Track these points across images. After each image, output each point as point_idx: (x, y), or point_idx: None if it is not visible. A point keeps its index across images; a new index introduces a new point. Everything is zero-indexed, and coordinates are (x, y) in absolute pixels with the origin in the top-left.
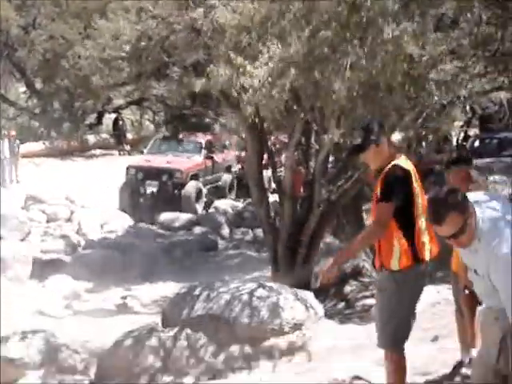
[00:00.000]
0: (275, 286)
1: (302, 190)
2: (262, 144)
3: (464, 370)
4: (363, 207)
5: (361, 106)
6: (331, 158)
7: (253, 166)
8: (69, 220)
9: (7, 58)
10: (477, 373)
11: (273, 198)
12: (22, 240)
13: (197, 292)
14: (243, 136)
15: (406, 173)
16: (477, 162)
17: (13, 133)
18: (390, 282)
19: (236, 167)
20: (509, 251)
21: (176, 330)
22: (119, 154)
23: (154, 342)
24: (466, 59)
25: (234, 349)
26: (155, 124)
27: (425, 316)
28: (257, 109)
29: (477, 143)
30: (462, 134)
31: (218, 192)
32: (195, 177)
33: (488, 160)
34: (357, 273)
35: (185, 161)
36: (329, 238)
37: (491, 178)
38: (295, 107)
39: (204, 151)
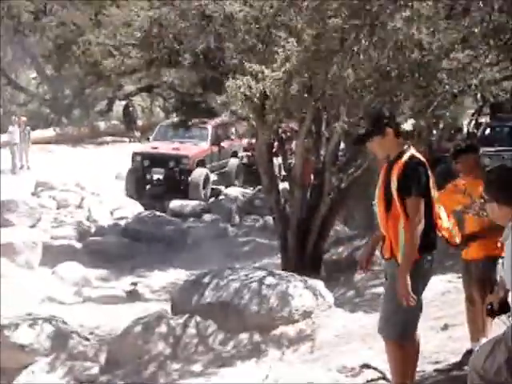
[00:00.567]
0: (285, 273)
1: (312, 177)
2: (274, 132)
3: None
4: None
5: (371, 94)
6: (341, 146)
7: (263, 153)
8: (79, 206)
9: (18, 44)
10: (469, 365)
11: (283, 185)
12: (33, 226)
13: (206, 279)
14: (253, 124)
15: (424, 164)
16: (488, 149)
17: (23, 119)
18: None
19: (243, 153)
20: None
21: (185, 317)
22: (130, 141)
23: (163, 328)
24: (477, 48)
25: (244, 337)
26: (165, 110)
27: (435, 304)
28: (266, 96)
29: (488, 131)
30: (473, 122)
31: (225, 178)
32: (202, 163)
33: (499, 148)
34: None
35: (191, 147)
36: (339, 226)
37: None
38: (306, 95)
39: (210, 137)
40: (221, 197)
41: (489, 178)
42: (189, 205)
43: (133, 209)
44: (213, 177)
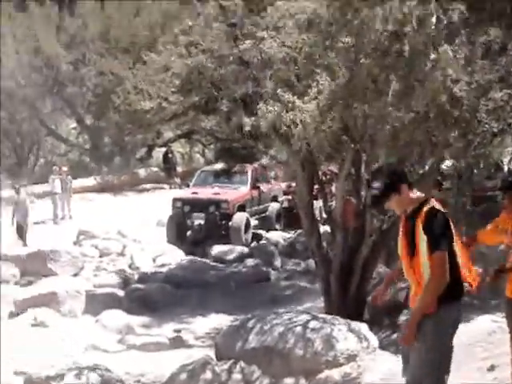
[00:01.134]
0: (328, 317)
1: (353, 219)
2: (313, 174)
3: None
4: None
5: (410, 135)
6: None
7: (303, 196)
8: (121, 254)
9: (57, 94)
10: None
11: (324, 228)
12: (75, 275)
13: (250, 324)
14: (294, 167)
15: (446, 215)
16: None
17: (64, 168)
18: (428, 324)
19: (283, 197)
20: None
21: (230, 363)
22: (170, 188)
23: (208, 375)
24: None
25: (289, 381)
26: (205, 157)
27: (480, 345)
28: (307, 141)
29: None
30: None
31: (266, 222)
32: (242, 207)
33: None
34: None
35: (231, 192)
36: (381, 268)
37: None
38: (345, 137)
39: (250, 181)
40: (262, 241)
41: None
42: (231, 250)
43: (174, 255)
44: (253, 221)
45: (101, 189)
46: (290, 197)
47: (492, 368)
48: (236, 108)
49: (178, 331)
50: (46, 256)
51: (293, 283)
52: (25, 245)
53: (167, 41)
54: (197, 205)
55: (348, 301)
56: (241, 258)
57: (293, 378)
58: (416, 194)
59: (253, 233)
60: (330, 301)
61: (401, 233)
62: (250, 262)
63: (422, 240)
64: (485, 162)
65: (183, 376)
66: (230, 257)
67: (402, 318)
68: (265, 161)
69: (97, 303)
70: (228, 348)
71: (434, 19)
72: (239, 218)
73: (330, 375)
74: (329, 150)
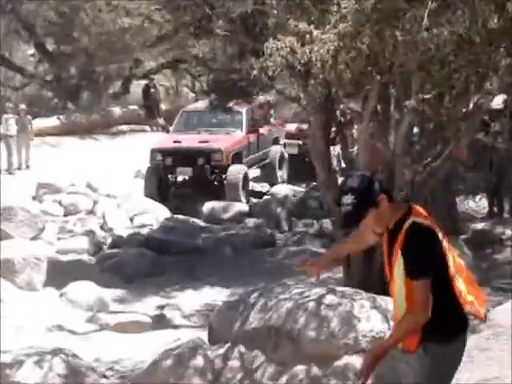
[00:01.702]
0: (348, 290)
1: (379, 170)
2: (330, 114)
3: None
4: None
5: (450, 66)
6: (415, 130)
7: (318, 141)
8: (91, 212)
9: (12, 13)
10: None
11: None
12: (35, 238)
13: (251, 300)
14: (306, 106)
15: (430, 231)
16: None
17: (22, 106)
18: (419, 365)
19: (286, 140)
20: None
21: (226, 347)
22: (152, 130)
23: (199, 361)
24: None
25: (299, 369)
26: (195, 91)
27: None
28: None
29: None
30: None
31: (267, 171)
32: (238, 156)
33: None
34: None
35: (224, 138)
36: None
37: None
38: (369, 68)
39: (246, 124)
40: (265, 197)
41: None
42: (227, 207)
43: (157, 214)
44: (253, 172)
45: (66, 131)
46: (300, 141)
47: None
48: (234, 31)
49: (162, 308)
50: None
51: (304, 248)
52: None
53: None
54: (181, 156)
55: (372, 271)
56: (239, 218)
57: (304, 365)
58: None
59: (252, 190)
60: (351, 271)
61: (384, 253)
62: (250, 222)
63: (399, 262)
64: None
65: (168, 362)
66: (226, 216)
67: None
68: (270, 97)
69: (61, 273)
70: (224, 329)
71: None
72: (236, 170)
73: (350, 362)
74: (350, 84)
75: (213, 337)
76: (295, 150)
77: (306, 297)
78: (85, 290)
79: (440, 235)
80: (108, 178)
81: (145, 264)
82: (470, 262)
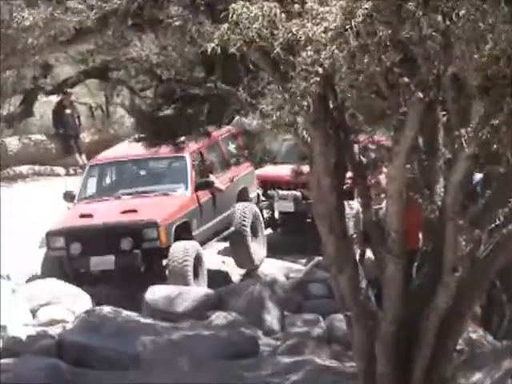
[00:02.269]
0: None
1: (420, 238)
2: (343, 151)
3: None
4: None
5: None
6: (477, 177)
7: (325, 193)
8: None
9: None
10: None
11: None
12: None
13: None
14: (305, 137)
15: None
16: None
17: None
18: None
19: (257, 190)
20: None
21: None
22: (67, 174)
23: None
24: None
25: None
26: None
27: None
28: (329, 80)
29: None
30: None
31: (233, 245)
32: (183, 229)
33: None
34: None
35: (159, 203)
36: (476, 332)
37: None
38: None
39: (191, 174)
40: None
41: None
42: (182, 294)
43: (74, 304)
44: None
45: None
46: (297, 192)
47: None
48: (194, 15)
49: None
50: None
51: (303, 360)
52: None
53: None
54: (95, 239)
55: None
56: (201, 311)
57: None
58: None
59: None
60: None
61: None
62: (219, 318)
63: None
64: None
65: None
66: (181, 308)
67: None
68: (250, 122)
69: None
70: None
71: None
72: (181, 251)
73: None
74: (372, 99)
75: None
76: (290, 207)
77: None
78: None
79: None
80: None
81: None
82: None
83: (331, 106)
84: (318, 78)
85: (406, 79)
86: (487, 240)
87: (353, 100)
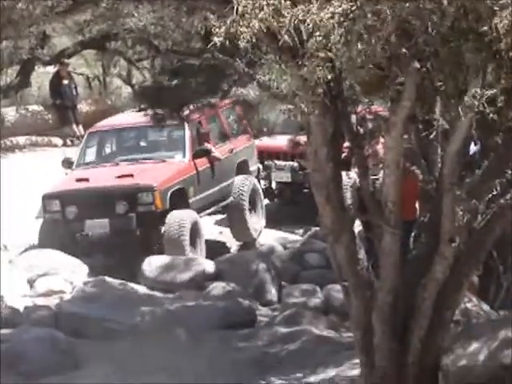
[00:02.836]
0: None
1: (417, 208)
2: (341, 121)
3: None
4: None
5: None
6: (474, 147)
7: (322, 163)
8: None
9: None
10: None
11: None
12: None
13: None
14: (303, 107)
15: None
16: None
17: None
18: None
19: (257, 164)
20: None
21: None
22: (64, 144)
23: None
24: None
25: None
26: (133, 85)
27: None
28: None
29: None
30: None
31: (231, 216)
32: (180, 196)
33: None
34: None
35: (156, 168)
36: (470, 301)
37: None
38: (402, 50)
39: (190, 143)
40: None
41: None
42: (181, 265)
43: (72, 274)
44: (207, 219)
45: None
46: (295, 163)
47: None
48: None
49: None
50: None
51: (300, 330)
52: None
53: None
54: (90, 203)
55: (406, 365)
56: (200, 282)
57: None
58: None
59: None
60: (372, 365)
61: None
62: (216, 288)
63: None
64: None
65: None
66: (180, 279)
67: None
68: (247, 92)
69: None
70: None
71: None
72: (178, 218)
73: None
74: (369, 70)
75: None
76: (287, 177)
77: None
78: None
79: None
80: None
81: (54, 354)
82: None
83: (329, 77)
84: (330, 64)
85: (403, 50)
86: (484, 210)
87: (350, 70)
